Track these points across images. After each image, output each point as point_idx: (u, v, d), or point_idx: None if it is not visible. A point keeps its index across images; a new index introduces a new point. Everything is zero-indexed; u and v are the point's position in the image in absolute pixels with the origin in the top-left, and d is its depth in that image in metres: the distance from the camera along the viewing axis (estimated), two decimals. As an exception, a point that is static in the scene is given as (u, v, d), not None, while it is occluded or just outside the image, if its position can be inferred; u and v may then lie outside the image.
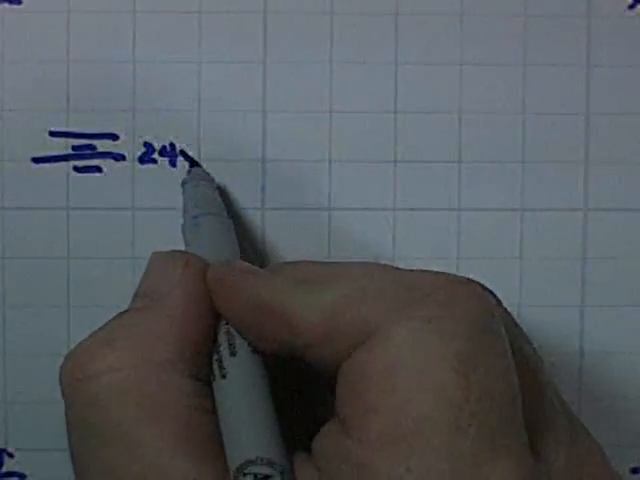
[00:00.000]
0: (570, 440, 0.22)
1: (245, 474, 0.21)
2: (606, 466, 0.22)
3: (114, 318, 0.24)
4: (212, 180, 0.31)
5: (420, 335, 0.19)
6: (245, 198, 0.32)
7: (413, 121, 0.32)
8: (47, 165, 0.31)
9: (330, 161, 0.32)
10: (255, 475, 0.21)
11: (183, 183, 0.30)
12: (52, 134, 0.31)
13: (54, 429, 0.32)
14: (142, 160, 0.32)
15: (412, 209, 0.32)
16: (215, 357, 0.24)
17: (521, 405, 0.20)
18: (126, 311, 0.24)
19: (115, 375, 0.22)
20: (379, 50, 0.32)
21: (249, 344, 0.23)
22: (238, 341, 0.23)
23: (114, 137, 0.32)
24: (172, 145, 0.32)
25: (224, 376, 0.23)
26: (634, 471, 0.33)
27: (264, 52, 0.31)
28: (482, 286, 0.22)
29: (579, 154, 0.32)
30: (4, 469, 0.32)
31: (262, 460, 0.21)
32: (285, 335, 0.22)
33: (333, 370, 0.21)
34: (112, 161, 0.32)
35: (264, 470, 0.21)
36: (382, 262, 0.33)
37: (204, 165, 0.32)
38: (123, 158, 0.32)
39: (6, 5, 0.31)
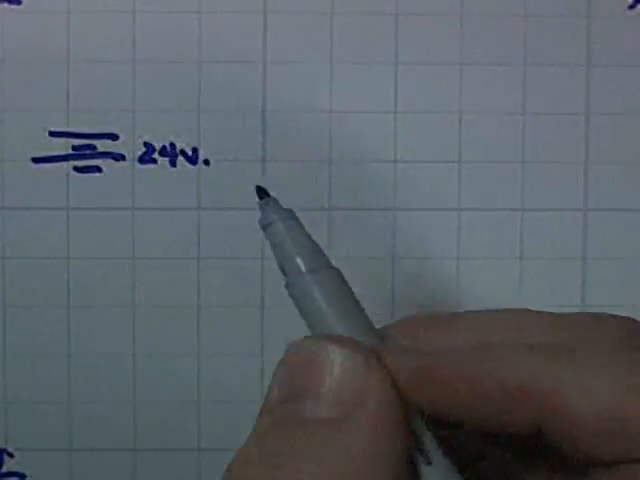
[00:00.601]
0: None
1: None
2: None
3: (270, 428, 0.19)
4: (294, 215, 0.24)
5: None
6: (245, 198, 0.32)
7: (413, 121, 0.32)
8: (47, 165, 0.31)
9: (330, 161, 0.32)
10: None
11: (268, 223, 0.24)
12: (52, 134, 0.31)
13: (54, 429, 0.32)
14: (142, 160, 0.32)
15: (412, 209, 0.32)
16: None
17: None
18: (309, 424, 0.19)
19: None
20: (379, 50, 0.32)
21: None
22: (432, 447, 0.20)
23: (114, 137, 0.32)
24: (172, 145, 0.32)
25: (429, 463, 0.20)
26: (634, 471, 0.33)
27: (264, 52, 0.31)
28: None
29: (579, 154, 0.32)
30: (4, 469, 0.32)
31: None
32: (534, 421, 0.18)
33: (586, 461, 0.18)
34: (112, 161, 0.32)
35: None
36: (385, 261, 0.33)
37: (209, 164, 0.32)
38: (123, 158, 0.32)
39: (6, 5, 0.31)
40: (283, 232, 0.24)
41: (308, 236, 0.23)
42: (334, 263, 0.23)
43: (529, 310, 0.21)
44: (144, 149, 0.32)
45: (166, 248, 0.32)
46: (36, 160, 0.31)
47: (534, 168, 0.32)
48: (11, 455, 0.32)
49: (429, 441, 0.20)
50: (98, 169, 0.32)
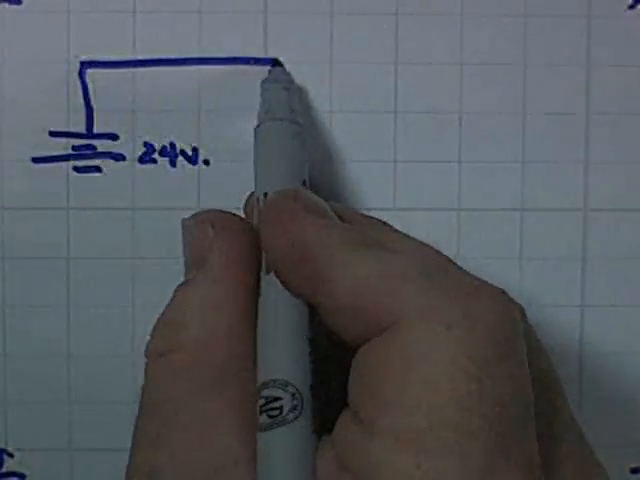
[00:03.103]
0: (578, 457, 0.22)
1: (260, 397, 0.21)
2: None
3: (175, 292, 0.24)
4: (292, 82, 0.29)
5: (439, 338, 0.19)
6: (245, 198, 0.32)
7: (413, 121, 0.32)
8: (47, 165, 0.31)
9: (330, 161, 0.32)
10: (266, 398, 0.21)
11: (261, 84, 0.29)
12: (52, 134, 0.31)
13: (54, 429, 0.32)
14: (142, 160, 0.32)
15: (412, 209, 0.32)
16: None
17: (534, 417, 0.20)
18: (181, 284, 0.24)
19: (179, 354, 0.22)
20: (379, 50, 0.32)
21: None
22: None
23: (114, 137, 0.32)
24: (172, 145, 0.32)
25: (259, 294, 0.23)
26: (634, 471, 0.33)
27: (264, 52, 0.31)
28: (509, 297, 0.22)
29: (579, 154, 0.32)
30: (4, 469, 0.32)
31: (274, 382, 0.21)
32: (316, 290, 0.21)
33: (351, 347, 0.21)
34: (112, 161, 0.32)
35: (274, 392, 0.21)
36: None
37: (209, 164, 0.32)
38: (123, 158, 0.32)
39: (6, 5, 0.31)
40: (267, 92, 0.28)
41: (285, 97, 0.27)
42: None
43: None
44: (144, 149, 0.32)
45: (166, 248, 0.32)
46: (36, 160, 0.31)
47: (534, 168, 0.32)
48: (11, 455, 0.32)
49: (264, 273, 0.23)
50: (98, 169, 0.32)
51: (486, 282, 0.22)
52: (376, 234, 0.23)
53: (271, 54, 0.31)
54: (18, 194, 0.32)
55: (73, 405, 0.32)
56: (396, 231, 0.26)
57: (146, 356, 0.24)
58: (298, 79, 0.32)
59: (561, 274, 0.32)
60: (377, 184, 0.32)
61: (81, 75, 0.31)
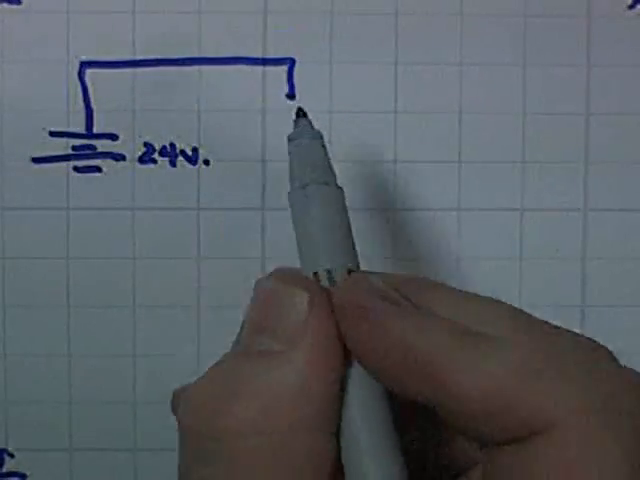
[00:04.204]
0: None
1: None
2: None
3: (230, 359, 0.21)
4: (321, 137, 0.26)
5: (600, 440, 0.18)
6: (245, 198, 0.32)
7: (413, 121, 0.32)
8: (47, 165, 0.31)
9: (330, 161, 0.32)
10: None
11: (289, 139, 0.26)
12: (52, 134, 0.31)
13: (54, 429, 0.32)
14: (142, 160, 0.32)
15: (412, 209, 0.32)
16: None
17: None
18: (244, 353, 0.21)
19: (263, 439, 0.20)
20: (379, 50, 0.32)
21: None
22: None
23: (114, 137, 0.32)
24: (172, 145, 0.32)
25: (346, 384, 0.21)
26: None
27: (263, 52, 0.31)
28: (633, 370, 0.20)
29: (579, 154, 0.32)
30: (4, 469, 0.32)
31: None
32: (431, 395, 0.19)
33: (479, 441, 0.19)
34: (112, 161, 0.32)
35: None
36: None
37: (209, 164, 0.32)
38: (123, 158, 0.32)
39: (6, 5, 0.31)
40: (300, 147, 0.25)
41: (324, 156, 0.25)
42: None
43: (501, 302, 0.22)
44: (144, 149, 0.32)
45: (166, 248, 0.32)
46: (36, 160, 0.31)
47: (534, 168, 0.32)
48: (11, 455, 0.32)
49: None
50: (98, 169, 0.32)
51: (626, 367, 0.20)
52: (449, 307, 0.21)
53: (271, 54, 0.31)
54: (18, 194, 0.32)
55: (73, 405, 0.32)
56: (454, 291, 0.23)
57: (190, 427, 0.20)
58: (298, 79, 0.32)
59: (561, 274, 0.32)
60: (377, 184, 0.32)
61: (81, 75, 0.31)
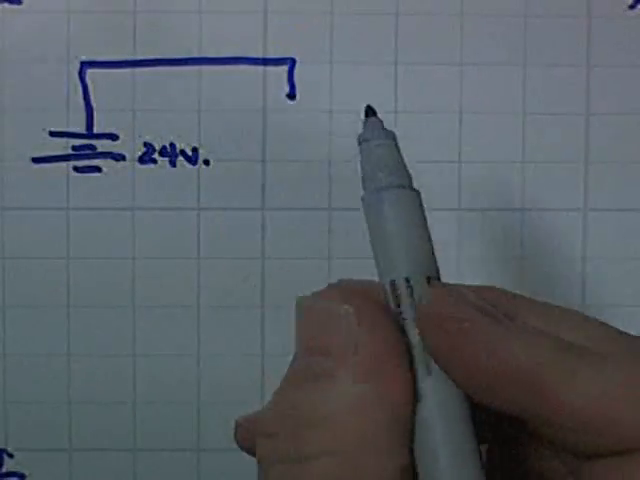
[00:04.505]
0: None
1: None
2: None
3: (290, 383, 0.21)
4: (394, 137, 0.25)
5: None
6: (245, 198, 0.32)
7: (413, 121, 0.32)
8: (47, 165, 0.32)
9: (330, 161, 0.32)
10: None
11: (361, 140, 0.25)
12: (52, 134, 0.31)
13: (54, 429, 0.32)
14: (142, 160, 0.32)
15: (412, 209, 0.32)
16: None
17: None
18: (302, 377, 0.21)
19: (332, 459, 0.20)
20: (379, 50, 0.32)
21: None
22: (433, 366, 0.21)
23: (114, 137, 0.32)
24: (172, 145, 0.32)
25: (418, 400, 0.20)
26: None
27: (264, 52, 0.31)
28: None
29: (579, 154, 0.32)
30: (4, 469, 0.32)
31: None
32: (531, 406, 0.19)
33: (574, 453, 0.20)
34: (112, 161, 0.32)
35: None
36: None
37: (209, 164, 0.32)
38: (123, 158, 0.32)
39: (6, 5, 0.31)
40: (372, 149, 0.24)
41: (398, 158, 0.24)
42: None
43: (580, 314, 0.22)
44: (144, 149, 0.32)
45: (166, 248, 0.32)
46: (36, 160, 0.31)
47: (535, 168, 0.32)
48: (11, 455, 0.32)
49: (424, 373, 0.20)
50: (98, 169, 0.32)
51: None
52: (543, 321, 0.21)
53: (271, 54, 0.31)
54: (18, 194, 0.32)
55: (73, 405, 0.32)
56: (540, 304, 0.23)
57: (262, 460, 0.21)
58: (298, 79, 0.32)
59: (561, 273, 0.32)
60: (377, 184, 0.32)
61: (81, 75, 0.31)
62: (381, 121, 0.25)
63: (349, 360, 0.20)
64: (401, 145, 0.33)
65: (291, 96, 0.32)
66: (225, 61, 0.32)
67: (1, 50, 0.31)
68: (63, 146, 0.32)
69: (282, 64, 0.32)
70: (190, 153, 0.32)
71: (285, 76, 0.32)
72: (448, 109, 0.32)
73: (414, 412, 0.20)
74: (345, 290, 0.22)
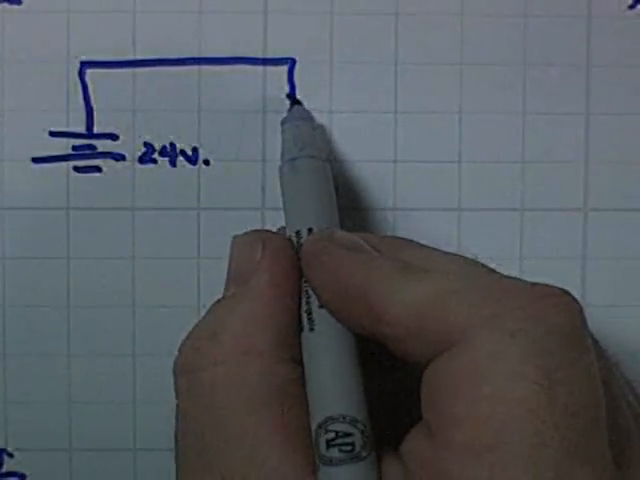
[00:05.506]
0: None
1: (327, 431, 0.21)
2: None
3: (212, 307, 0.25)
4: (312, 119, 0.29)
5: (502, 348, 0.19)
6: (245, 198, 0.32)
7: (413, 121, 0.32)
8: (47, 165, 0.31)
9: (330, 161, 0.32)
10: (336, 432, 0.21)
11: (282, 122, 0.29)
12: (52, 134, 0.31)
13: (54, 429, 0.32)
14: (142, 160, 0.32)
15: (412, 209, 0.32)
16: (304, 308, 0.23)
17: (605, 417, 0.20)
18: (221, 299, 0.25)
19: (219, 368, 0.23)
20: (379, 50, 0.32)
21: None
22: (317, 318, 0.23)
23: (114, 137, 0.32)
24: (172, 145, 0.32)
25: (312, 329, 0.23)
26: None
27: (263, 52, 0.31)
28: (572, 297, 0.22)
29: (579, 154, 0.32)
30: (4, 469, 0.32)
31: (344, 418, 0.21)
32: (370, 323, 0.22)
33: (417, 367, 0.21)
34: (112, 161, 0.32)
35: (345, 428, 0.21)
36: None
37: (209, 164, 0.32)
38: (123, 158, 0.32)
39: (6, 5, 0.31)
40: (291, 128, 0.28)
41: (313, 135, 0.28)
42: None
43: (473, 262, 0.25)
44: (144, 149, 0.32)
45: (166, 248, 0.32)
46: (36, 160, 0.31)
47: (534, 168, 0.32)
48: (11, 455, 0.32)
49: (317, 306, 0.23)
50: (98, 169, 0.32)
51: (544, 285, 0.22)
52: (412, 257, 0.24)
53: (271, 54, 0.31)
54: (18, 194, 0.32)
55: (73, 405, 0.32)
56: (424, 247, 0.26)
57: (176, 371, 0.24)
58: (299, 79, 0.32)
59: (561, 274, 0.32)
60: (377, 184, 0.32)
61: (81, 75, 0.31)
62: (305, 109, 0.29)
63: (250, 282, 0.24)
64: (400, 145, 0.33)
65: (291, 96, 0.32)
66: (225, 61, 0.32)
67: (1, 50, 0.31)
68: (63, 146, 0.32)
69: (282, 64, 0.32)
70: (190, 153, 0.32)
71: (285, 76, 0.32)
72: (448, 109, 0.32)
73: (301, 336, 0.23)
74: (262, 231, 0.26)
